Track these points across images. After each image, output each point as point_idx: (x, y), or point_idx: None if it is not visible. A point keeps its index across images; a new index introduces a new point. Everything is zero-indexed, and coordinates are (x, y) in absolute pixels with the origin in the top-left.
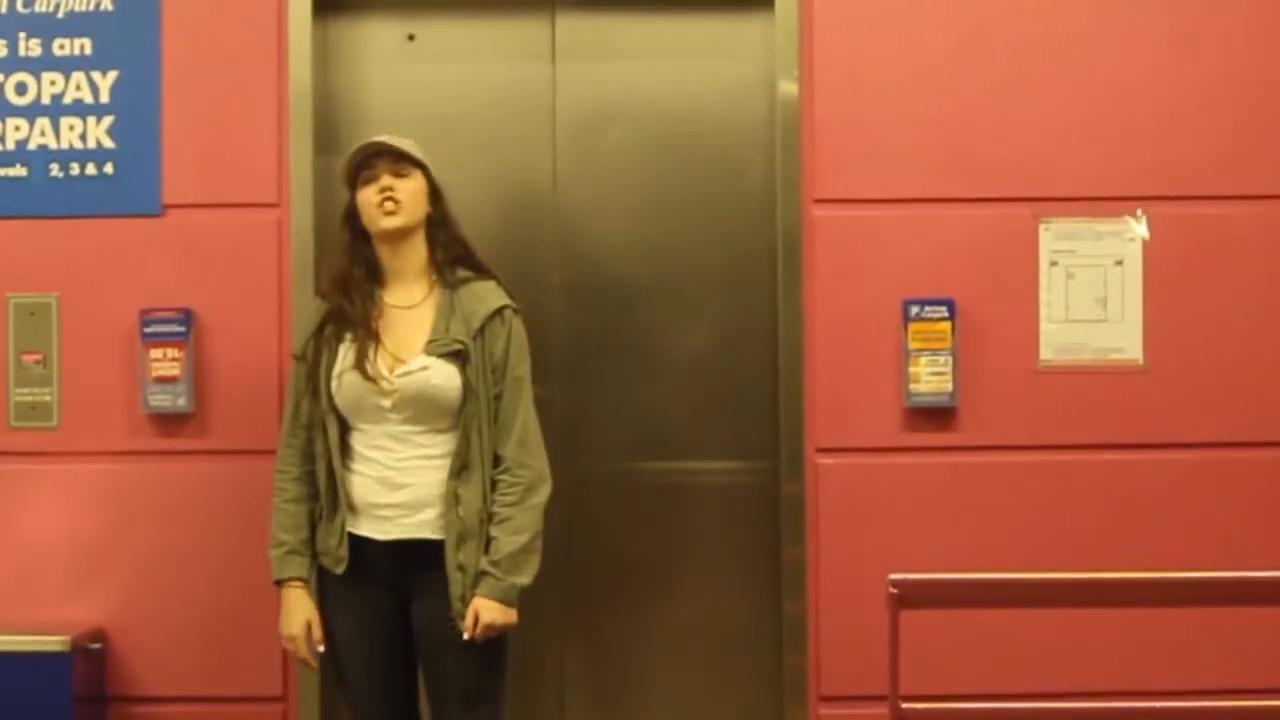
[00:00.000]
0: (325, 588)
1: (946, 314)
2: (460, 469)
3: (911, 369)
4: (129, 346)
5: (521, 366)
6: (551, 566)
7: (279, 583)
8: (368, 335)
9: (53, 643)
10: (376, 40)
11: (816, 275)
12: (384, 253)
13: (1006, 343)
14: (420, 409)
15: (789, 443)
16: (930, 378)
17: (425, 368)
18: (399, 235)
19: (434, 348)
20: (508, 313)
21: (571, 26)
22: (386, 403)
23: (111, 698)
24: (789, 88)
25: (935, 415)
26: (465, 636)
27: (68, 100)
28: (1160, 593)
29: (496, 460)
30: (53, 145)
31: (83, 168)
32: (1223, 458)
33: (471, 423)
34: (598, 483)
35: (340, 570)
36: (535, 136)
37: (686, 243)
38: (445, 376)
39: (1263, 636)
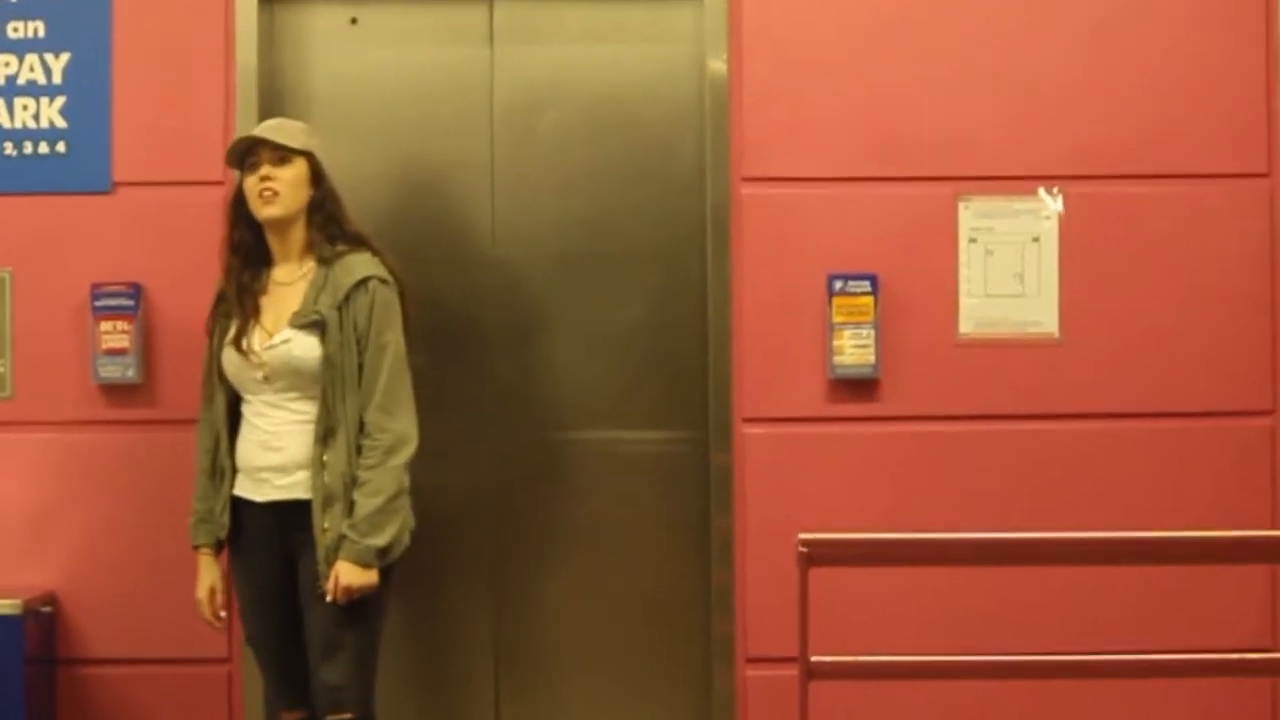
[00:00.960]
0: (230, 552)
1: (869, 289)
2: (325, 435)
3: (835, 342)
4: (80, 319)
5: (386, 334)
6: (487, 533)
7: (195, 549)
8: (243, 312)
9: (4, 606)
10: (320, 23)
11: (744, 251)
12: (269, 234)
13: (927, 316)
14: (289, 379)
15: (717, 413)
16: (853, 350)
17: (287, 340)
18: (279, 222)
19: (296, 320)
20: (372, 283)
21: (509, 11)
22: (259, 375)
23: (62, 659)
24: (718, 70)
25: (858, 386)
26: (328, 599)
27: (21, 81)
28: (1056, 552)
29: (360, 426)
30: (6, 125)
31: (35, 146)
32: (1134, 427)
33: (334, 389)
34: (533, 452)
35: (222, 535)
36: (473, 117)
37: (619, 220)
38: (306, 348)
39: (1161, 597)
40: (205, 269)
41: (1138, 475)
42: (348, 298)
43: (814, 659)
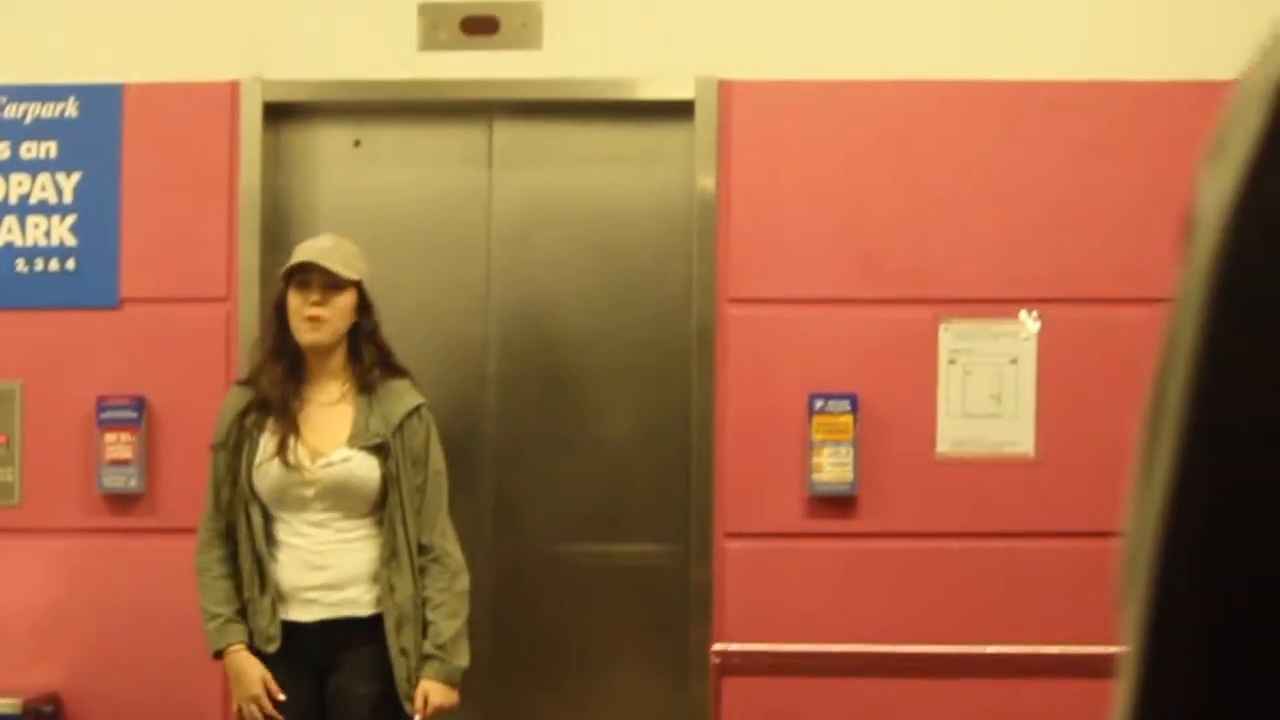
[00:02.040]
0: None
1: (849, 408)
2: (390, 557)
3: (815, 459)
4: (86, 430)
5: (440, 461)
6: (480, 641)
7: (219, 653)
8: (289, 426)
9: (5, 705)
10: (324, 145)
11: (728, 369)
12: (307, 352)
13: (906, 435)
14: (341, 498)
15: (699, 528)
16: (832, 467)
17: (347, 459)
18: (321, 347)
19: (355, 442)
20: (424, 410)
21: (507, 134)
22: (309, 492)
23: None
24: (705, 194)
25: (837, 503)
26: (416, 718)
27: (33, 200)
28: (964, 666)
29: (421, 548)
30: (19, 242)
31: (46, 263)
32: (1106, 546)
33: (396, 513)
34: (524, 564)
35: (272, 649)
36: (472, 236)
37: (610, 337)
38: (366, 468)
39: None
40: (207, 383)
41: (1106, 592)
42: (401, 425)
43: None
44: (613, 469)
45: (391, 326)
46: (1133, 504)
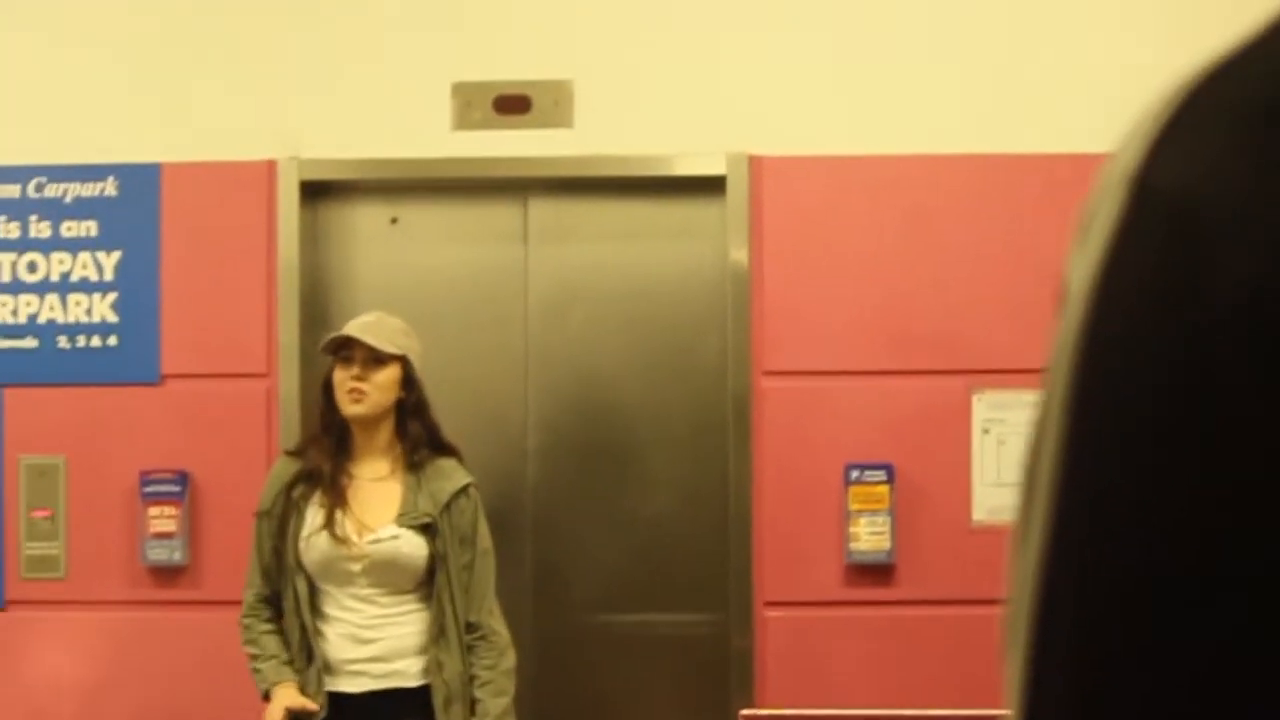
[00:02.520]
0: None
1: (885, 478)
2: (438, 634)
3: (852, 529)
4: (130, 504)
5: (488, 540)
6: (524, 713)
7: (267, 694)
8: (337, 500)
9: None
10: (362, 222)
11: (764, 441)
12: (355, 430)
13: (942, 503)
14: (388, 575)
15: (738, 597)
16: (869, 536)
17: (396, 537)
18: (363, 420)
19: (404, 520)
20: (472, 490)
21: (542, 211)
22: (356, 567)
23: None
24: (738, 268)
25: (875, 571)
26: None
27: (75, 278)
28: None
29: (468, 626)
30: (61, 319)
31: (88, 340)
32: None
33: (443, 591)
34: (565, 634)
35: (318, 714)
36: (510, 312)
37: (648, 410)
38: (414, 546)
39: None
40: (249, 457)
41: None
42: (449, 504)
43: None
44: (652, 540)
45: (431, 400)
46: (1012, 565)
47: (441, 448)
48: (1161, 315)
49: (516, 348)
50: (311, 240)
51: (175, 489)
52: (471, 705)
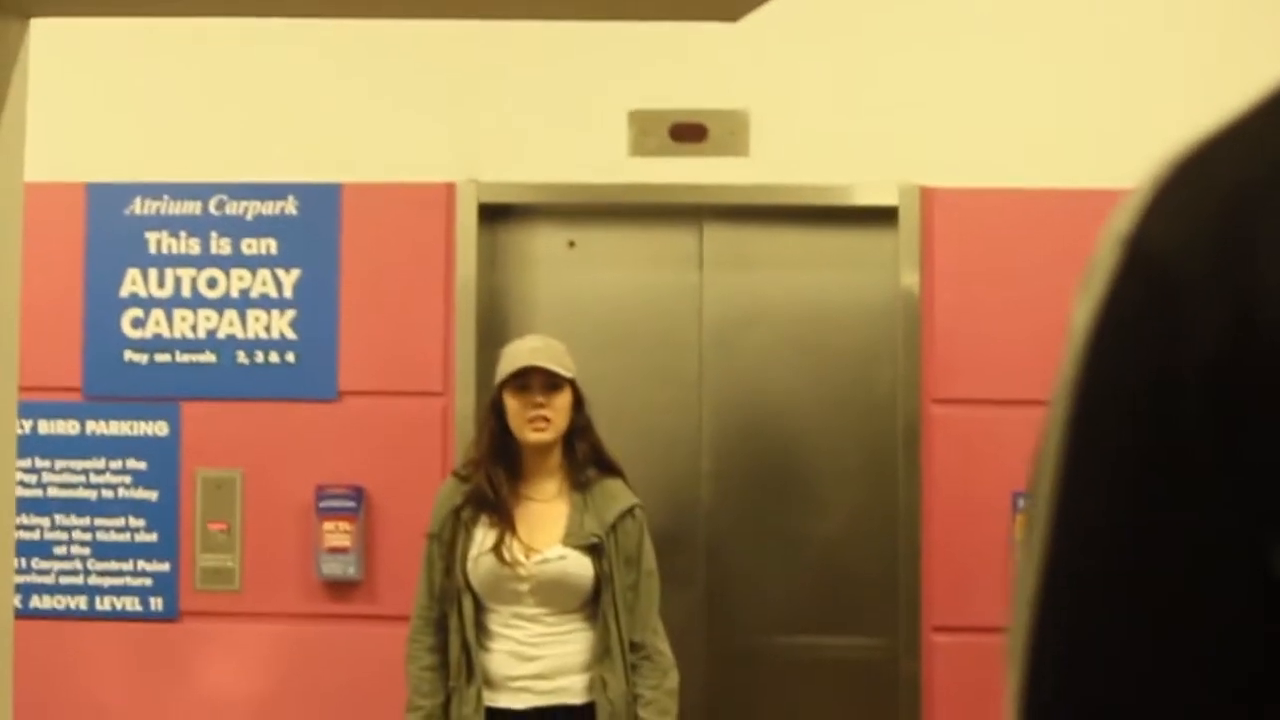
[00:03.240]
0: None
1: None
2: (603, 654)
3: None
4: (305, 518)
5: (652, 560)
6: None
7: None
8: (505, 522)
9: None
10: (539, 245)
11: (934, 467)
12: (526, 452)
13: None
14: (554, 594)
15: (907, 621)
16: None
17: (563, 558)
18: (546, 447)
19: (571, 540)
20: (638, 511)
21: (717, 237)
22: (524, 587)
23: None
24: (909, 297)
25: None
26: None
27: (254, 295)
28: None
29: (633, 646)
30: (240, 335)
31: (266, 356)
32: None
33: (609, 611)
34: (735, 655)
35: None
36: (684, 335)
37: (819, 435)
38: (581, 567)
39: None
40: (424, 474)
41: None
42: (615, 525)
43: None
44: (822, 563)
45: (606, 423)
46: (1020, 568)
47: (608, 468)
48: (1139, 363)
49: (691, 371)
50: (489, 262)
51: (350, 504)
52: None
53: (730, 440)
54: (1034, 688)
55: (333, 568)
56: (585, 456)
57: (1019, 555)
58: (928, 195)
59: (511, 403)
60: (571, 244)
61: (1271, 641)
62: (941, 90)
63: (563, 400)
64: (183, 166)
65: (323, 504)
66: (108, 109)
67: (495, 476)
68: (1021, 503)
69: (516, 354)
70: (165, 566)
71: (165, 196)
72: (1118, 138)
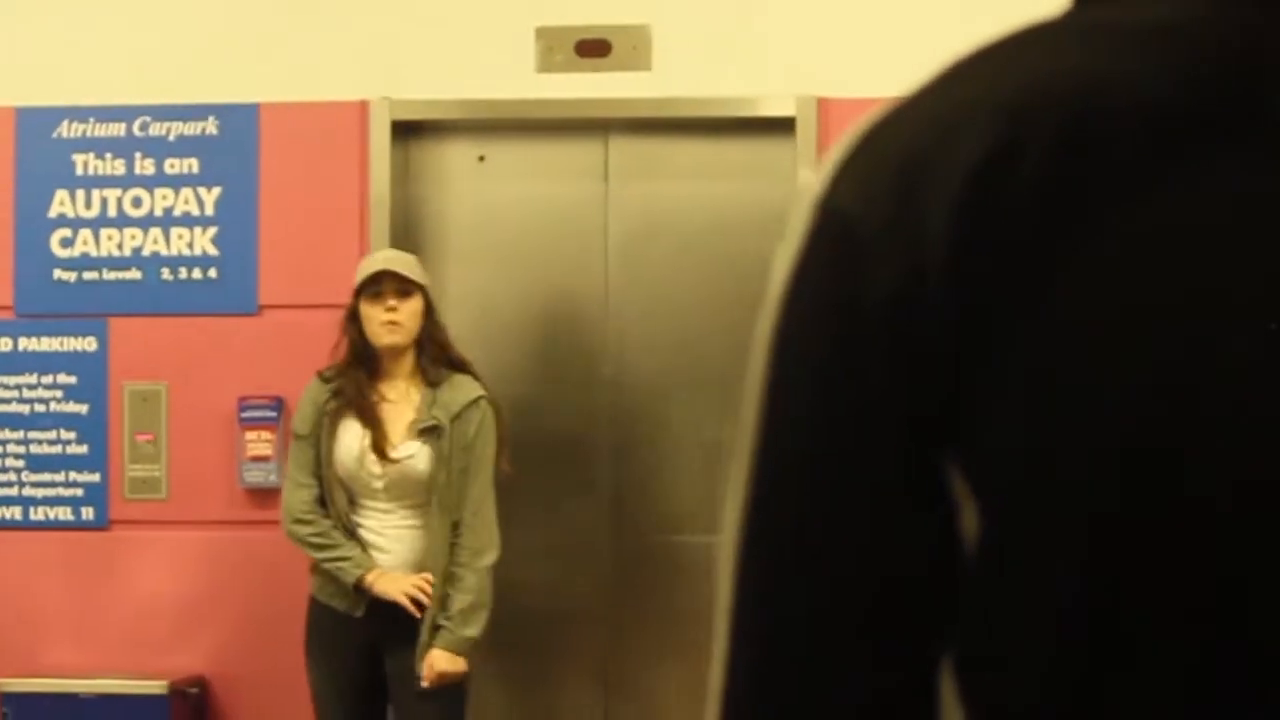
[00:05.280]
0: (312, 650)
1: None
2: (431, 534)
3: None
4: (228, 429)
5: (487, 449)
6: (598, 629)
7: (359, 581)
8: (364, 419)
9: (153, 687)
10: (450, 160)
11: None
12: (383, 356)
13: None
14: (405, 488)
15: None
16: None
17: (411, 456)
18: (398, 349)
19: (417, 426)
20: (483, 401)
21: (622, 150)
22: (380, 483)
23: None
24: None
25: None
26: (424, 683)
27: (177, 213)
28: None
29: (454, 526)
30: (164, 252)
31: (190, 272)
32: None
33: (443, 493)
34: (639, 555)
35: (359, 613)
36: (590, 246)
37: (723, 341)
38: (425, 460)
39: None
40: None
41: None
42: (459, 414)
43: None
44: (724, 465)
45: (514, 330)
46: (728, 496)
47: (458, 366)
48: (828, 300)
49: (596, 279)
50: (402, 177)
51: (271, 414)
52: (444, 600)
53: (635, 347)
54: (739, 591)
55: (255, 476)
56: (435, 357)
57: (731, 475)
58: (825, 106)
59: (366, 309)
60: (481, 158)
61: (942, 548)
62: (840, 3)
63: (414, 305)
64: (108, 90)
65: (245, 414)
66: (35, 35)
67: (356, 378)
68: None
69: (371, 262)
70: (95, 477)
71: (91, 119)
72: None
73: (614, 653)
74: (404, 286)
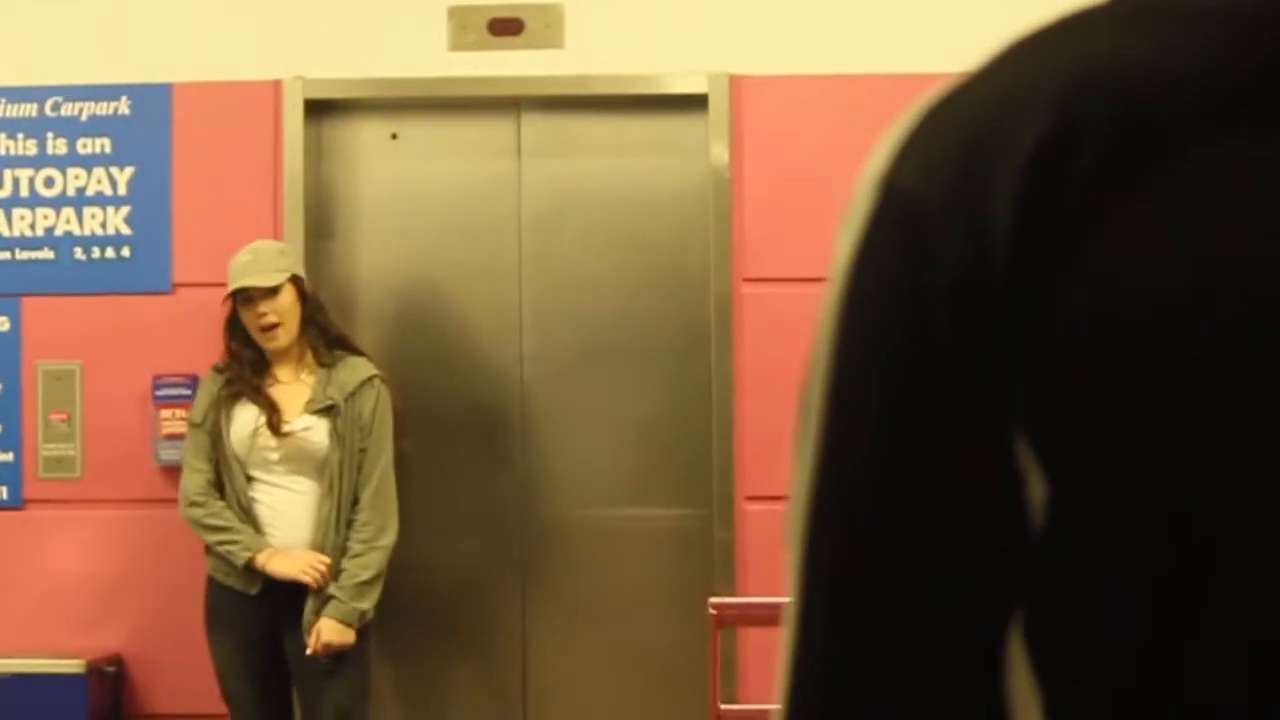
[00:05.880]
0: (209, 616)
1: None
2: (329, 511)
3: None
4: (143, 407)
5: (384, 428)
6: (511, 603)
7: (250, 563)
8: (258, 401)
9: (70, 665)
10: (362, 139)
11: (745, 345)
12: (270, 348)
13: None
14: (301, 461)
15: (720, 492)
16: None
17: (308, 428)
18: (284, 348)
19: (312, 407)
20: (376, 381)
21: (534, 127)
22: (275, 456)
23: (127, 715)
24: (721, 182)
25: None
26: (308, 652)
27: (90, 192)
28: None
29: (355, 505)
30: (77, 232)
31: (103, 251)
32: None
33: (338, 470)
34: (554, 529)
35: (254, 591)
36: (503, 223)
37: (635, 317)
38: (322, 434)
39: None
40: None
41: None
42: (354, 393)
43: (723, 707)
44: (639, 439)
45: (427, 306)
46: (793, 473)
47: (350, 348)
48: (894, 283)
49: (510, 256)
50: (315, 156)
51: (186, 392)
52: (337, 574)
53: (549, 323)
54: (809, 565)
55: (170, 454)
56: (318, 338)
57: (794, 453)
58: (737, 83)
59: (243, 315)
60: (394, 136)
61: (1012, 519)
62: None
63: (285, 301)
64: (19, 70)
65: (159, 393)
66: None
67: (248, 366)
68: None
69: (232, 275)
70: (9, 456)
71: (3, 100)
72: (917, 26)
73: (527, 627)
74: (270, 289)
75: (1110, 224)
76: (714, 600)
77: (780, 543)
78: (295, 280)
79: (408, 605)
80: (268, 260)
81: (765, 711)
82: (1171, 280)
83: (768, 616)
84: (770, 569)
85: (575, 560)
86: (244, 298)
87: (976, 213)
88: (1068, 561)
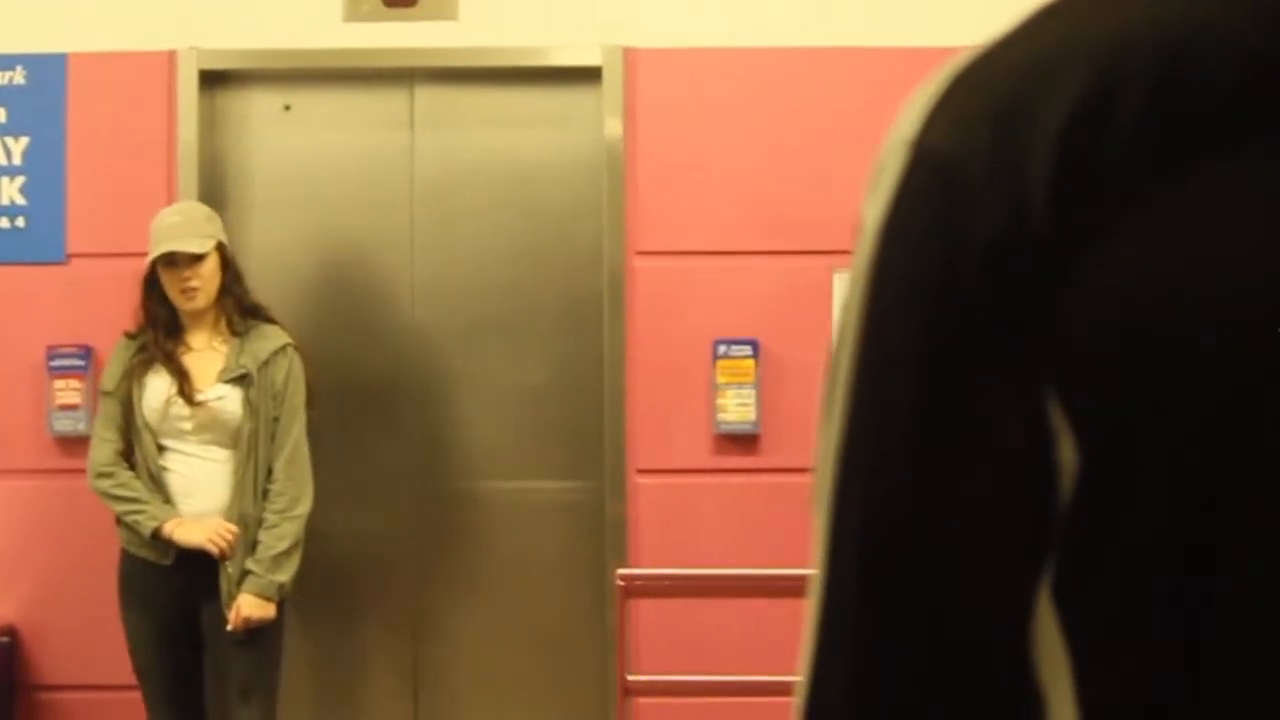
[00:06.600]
0: (123, 588)
1: (751, 353)
2: (243, 479)
3: (720, 400)
4: (37, 378)
5: (298, 397)
6: (405, 572)
7: (156, 532)
8: (171, 369)
9: None
10: (256, 109)
11: (637, 318)
12: (185, 312)
13: (804, 378)
14: (215, 430)
15: (612, 465)
16: (736, 408)
17: (221, 397)
18: (201, 311)
19: (226, 375)
20: (289, 350)
21: (427, 99)
22: (188, 425)
23: (21, 685)
24: (614, 155)
25: (741, 441)
26: (229, 628)
27: None
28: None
29: (270, 474)
30: None
31: None
32: None
33: (252, 440)
34: (447, 499)
35: (168, 562)
36: (396, 194)
37: (527, 289)
38: (235, 403)
39: None
40: None
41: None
42: (267, 362)
43: (630, 678)
44: (531, 411)
45: (320, 277)
46: (820, 440)
47: (264, 317)
48: (928, 248)
49: (402, 227)
50: (210, 126)
51: (80, 363)
52: (253, 547)
53: (441, 294)
54: (837, 531)
55: (64, 424)
56: (234, 308)
57: (821, 418)
58: (631, 55)
59: (163, 276)
60: (287, 108)
61: (1043, 479)
62: None
63: (208, 267)
64: None
65: (53, 363)
66: None
67: (161, 333)
68: (723, 349)
69: (158, 235)
70: None
71: None
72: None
73: (421, 597)
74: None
75: (1150, 187)
76: (621, 571)
77: (671, 516)
78: (220, 247)
79: (305, 576)
80: (196, 225)
81: (669, 682)
82: (1210, 247)
83: (674, 588)
84: (662, 542)
85: (468, 531)
86: (168, 260)
87: (1015, 176)
88: (1099, 525)
